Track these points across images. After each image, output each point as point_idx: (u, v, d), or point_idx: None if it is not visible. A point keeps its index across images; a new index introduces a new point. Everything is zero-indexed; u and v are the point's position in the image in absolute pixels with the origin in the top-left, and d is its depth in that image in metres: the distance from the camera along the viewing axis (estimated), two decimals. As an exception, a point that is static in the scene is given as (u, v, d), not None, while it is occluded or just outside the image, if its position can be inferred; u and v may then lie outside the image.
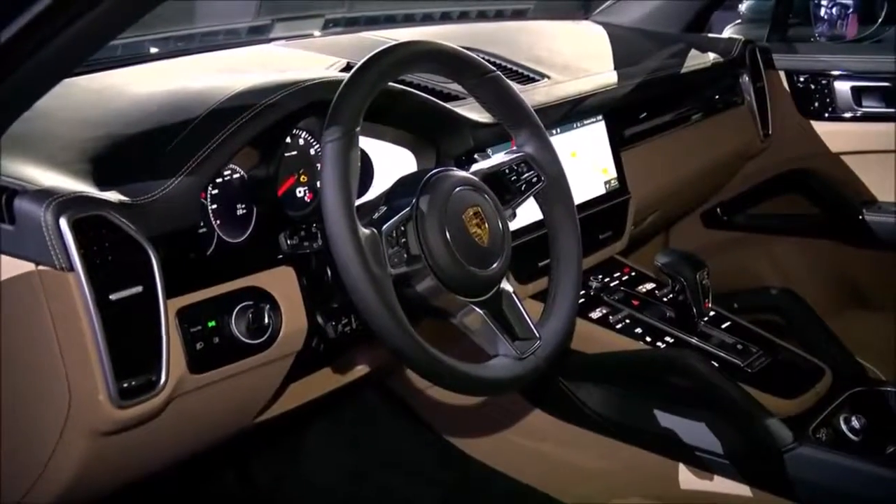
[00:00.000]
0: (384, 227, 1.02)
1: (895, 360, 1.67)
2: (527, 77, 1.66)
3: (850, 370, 1.53)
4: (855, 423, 1.36)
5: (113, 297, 0.90)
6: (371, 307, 0.95)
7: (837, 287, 2.26)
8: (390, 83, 1.18)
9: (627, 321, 1.54)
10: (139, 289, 0.92)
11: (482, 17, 2.20)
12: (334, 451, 1.72)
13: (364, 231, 0.98)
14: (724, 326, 1.55)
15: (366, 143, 1.29)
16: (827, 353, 1.55)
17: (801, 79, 2.17)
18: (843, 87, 2.11)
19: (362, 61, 1.03)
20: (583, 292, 1.60)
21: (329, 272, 1.11)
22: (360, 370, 1.34)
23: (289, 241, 1.11)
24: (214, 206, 1.09)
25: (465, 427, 1.66)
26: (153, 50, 1.51)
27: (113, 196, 0.94)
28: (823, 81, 2.13)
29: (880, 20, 2.20)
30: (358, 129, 1.00)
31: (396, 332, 0.96)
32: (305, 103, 1.11)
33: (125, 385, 0.91)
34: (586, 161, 1.62)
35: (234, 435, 1.23)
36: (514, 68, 1.68)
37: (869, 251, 2.21)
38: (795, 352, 1.52)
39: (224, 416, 1.15)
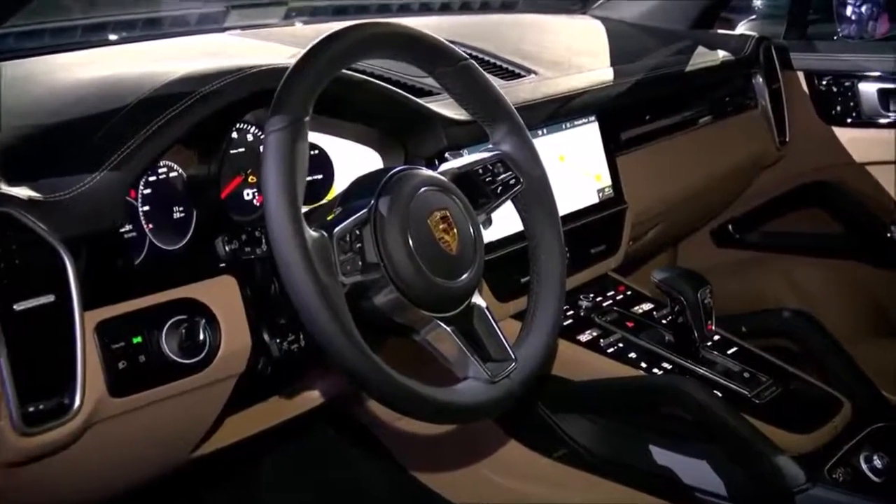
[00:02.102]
0: (336, 229, 0.99)
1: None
2: (511, 72, 1.66)
3: (872, 403, 1.51)
4: (877, 462, 1.34)
5: (18, 307, 0.88)
6: (316, 318, 0.92)
7: (861, 312, 2.24)
8: (349, 72, 1.17)
9: (620, 345, 1.52)
10: (50, 298, 0.90)
11: (466, 8, 2.20)
12: (292, 486, 1.70)
13: (312, 233, 0.96)
14: (729, 352, 1.53)
15: (326, 140, 1.28)
16: (846, 383, 1.53)
17: (823, 80, 2.17)
18: (868, 90, 2.10)
19: (312, 43, 1.01)
20: (571, 312, 1.59)
21: (276, 282, 1.09)
22: (316, 398, 1.32)
23: (227, 247, 1.09)
24: (146, 208, 1.08)
25: (436, 462, 1.64)
26: (88, 38, 1.49)
27: (23, 192, 0.92)
28: (847, 83, 2.13)
29: (913, 16, 2.20)
30: (307, 118, 0.98)
31: (345, 346, 0.93)
32: (251, 92, 1.10)
33: (31, 409, 0.89)
34: (576, 165, 1.61)
35: (172, 470, 1.20)
36: (497, 63, 1.68)
37: (896, 272, 2.20)
38: (810, 381, 1.50)
39: (154, 447, 1.12)
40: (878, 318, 2.25)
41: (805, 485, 1.27)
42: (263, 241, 1.08)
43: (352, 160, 1.31)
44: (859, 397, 1.49)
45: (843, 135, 2.15)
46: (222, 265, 1.10)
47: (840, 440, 1.38)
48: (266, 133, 0.96)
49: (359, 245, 1.01)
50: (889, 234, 2.13)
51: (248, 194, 1.18)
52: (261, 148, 1.16)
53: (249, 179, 1.18)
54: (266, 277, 1.10)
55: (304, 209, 0.97)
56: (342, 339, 0.93)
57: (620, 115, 1.73)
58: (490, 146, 1.21)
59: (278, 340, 1.12)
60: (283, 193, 0.93)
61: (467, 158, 1.19)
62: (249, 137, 1.19)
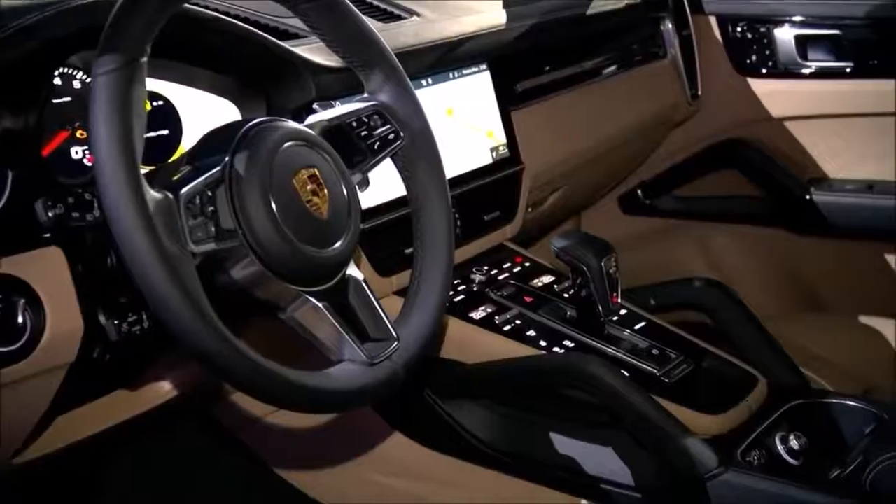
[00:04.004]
0: (183, 190, 0.97)
1: (844, 368, 1.73)
2: (390, 13, 1.66)
3: (789, 379, 1.57)
4: (793, 442, 1.39)
5: None
6: (160, 293, 0.90)
7: (778, 281, 2.33)
8: (193, 6, 1.14)
9: (518, 322, 1.53)
10: None
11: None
12: (141, 496, 1.67)
13: (153, 194, 0.94)
14: (636, 327, 1.56)
15: (172, 90, 1.26)
16: (761, 358, 1.58)
17: (737, 26, 2.22)
18: (785, 37, 2.16)
19: None
20: (463, 287, 1.60)
21: (112, 253, 1.07)
22: (167, 391, 1.30)
23: (50, 212, 1.05)
24: None
25: (310, 462, 1.64)
26: None
27: None
28: (762, 29, 2.19)
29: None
30: (144, 59, 0.95)
31: (196, 326, 0.91)
32: (78, 27, 1.06)
33: None
34: (466, 120, 1.62)
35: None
36: (373, 2, 1.67)
37: (817, 239, 2.29)
38: (723, 357, 1.55)
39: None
40: (795, 289, 2.35)
41: (717, 470, 1.30)
42: (95, 204, 1.05)
43: (204, 113, 1.29)
44: (775, 374, 1.54)
45: (760, 87, 2.22)
46: (46, 235, 1.06)
47: (755, 420, 1.42)
48: (93, 76, 0.92)
49: (211, 209, 0.99)
50: (807, 197, 2.21)
51: (76, 152, 1.15)
52: (91, 96, 1.13)
53: (78, 134, 1.15)
54: (100, 248, 1.07)
55: (145, 170, 0.95)
56: (192, 317, 0.91)
57: (515, 64, 1.75)
58: (365, 96, 1.21)
59: (116, 322, 1.09)
60: (116, 143, 0.90)
61: (339, 109, 1.18)
62: (77, 84, 1.15)
